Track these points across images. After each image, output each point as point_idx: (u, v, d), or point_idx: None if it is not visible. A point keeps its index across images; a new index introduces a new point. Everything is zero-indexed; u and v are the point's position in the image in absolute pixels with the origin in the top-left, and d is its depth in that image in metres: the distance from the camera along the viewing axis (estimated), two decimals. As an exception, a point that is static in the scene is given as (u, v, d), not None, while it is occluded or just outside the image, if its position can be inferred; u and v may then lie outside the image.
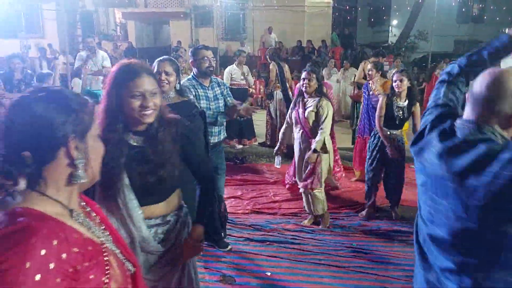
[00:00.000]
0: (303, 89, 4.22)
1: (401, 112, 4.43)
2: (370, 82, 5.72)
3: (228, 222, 4.63)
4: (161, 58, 3.04)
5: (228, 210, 4.98)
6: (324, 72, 10.43)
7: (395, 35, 21.51)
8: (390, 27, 23.46)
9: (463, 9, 20.42)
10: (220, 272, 3.62)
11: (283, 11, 17.28)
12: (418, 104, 4.48)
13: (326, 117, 4.11)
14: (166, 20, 18.75)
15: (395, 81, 4.37)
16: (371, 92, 5.66)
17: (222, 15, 18.40)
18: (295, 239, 4.25)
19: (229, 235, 4.29)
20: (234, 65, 7.52)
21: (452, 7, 18.94)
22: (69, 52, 13.20)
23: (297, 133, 4.39)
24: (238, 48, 14.73)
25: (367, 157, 4.79)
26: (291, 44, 17.35)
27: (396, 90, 4.39)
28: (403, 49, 17.74)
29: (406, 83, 4.35)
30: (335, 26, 19.70)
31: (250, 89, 8.57)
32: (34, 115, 0.95)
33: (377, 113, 4.58)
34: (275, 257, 3.90)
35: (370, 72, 5.73)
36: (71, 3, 17.45)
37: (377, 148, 4.63)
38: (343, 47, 17.22)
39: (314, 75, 4.17)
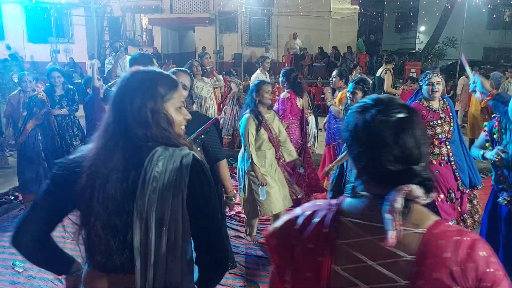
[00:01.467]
0: (268, 101, 4.01)
1: None
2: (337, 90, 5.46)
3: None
4: (182, 69, 2.79)
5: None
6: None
7: (422, 41, 21.22)
8: (417, 34, 23.16)
9: (494, 16, 19.94)
10: (245, 278, 3.57)
11: (308, 17, 17.23)
12: None
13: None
14: (191, 26, 18.93)
15: (348, 92, 4.03)
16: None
17: (247, 21, 18.45)
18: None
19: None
20: (259, 71, 7.45)
21: (482, 13, 18.51)
22: (97, 57, 13.51)
23: (270, 155, 4.06)
24: (262, 54, 14.73)
25: (332, 176, 4.30)
26: (316, 50, 17.25)
27: (349, 102, 4.04)
28: (431, 56, 17.42)
29: (360, 96, 3.93)
30: (361, 32, 19.51)
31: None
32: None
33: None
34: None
35: (333, 79, 5.41)
36: (99, 9, 17.80)
37: (339, 166, 4.17)
38: (369, 53, 17.03)
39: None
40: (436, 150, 3.72)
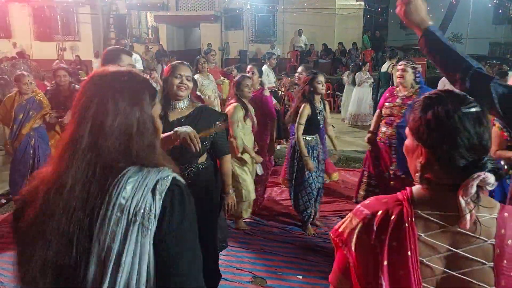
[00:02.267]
0: (248, 95, 4.25)
1: (322, 116, 4.28)
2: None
3: (259, 224, 4.61)
4: (179, 61, 2.73)
5: (258, 212, 4.96)
6: (357, 77, 9.78)
7: (427, 37, 21.05)
8: (423, 30, 22.95)
9: (500, 11, 19.78)
10: (251, 274, 3.61)
11: (313, 14, 17.18)
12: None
13: None
14: (197, 23, 18.94)
15: (320, 83, 4.14)
16: None
17: (252, 18, 18.44)
18: (326, 242, 4.19)
19: (260, 236, 4.29)
20: (266, 67, 7.48)
21: (488, 8, 18.38)
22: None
23: (250, 143, 4.36)
24: (268, 50, 14.70)
25: (288, 171, 4.47)
26: (321, 47, 17.23)
27: (322, 92, 4.24)
28: (436, 51, 17.30)
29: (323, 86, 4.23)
30: (366, 29, 19.43)
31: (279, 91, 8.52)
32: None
33: (298, 121, 4.15)
34: (306, 260, 3.86)
35: (300, 76, 5.31)
36: (105, 7, 17.85)
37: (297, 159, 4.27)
38: (374, 49, 16.97)
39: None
40: (383, 129, 4.15)
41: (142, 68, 7.99)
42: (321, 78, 4.16)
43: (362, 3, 17.95)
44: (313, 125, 4.23)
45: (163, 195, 1.06)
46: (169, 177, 1.10)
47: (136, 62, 7.68)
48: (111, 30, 18.49)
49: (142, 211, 1.04)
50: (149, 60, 16.32)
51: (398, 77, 4.04)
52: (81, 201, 1.05)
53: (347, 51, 16.57)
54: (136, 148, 1.11)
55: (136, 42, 18.24)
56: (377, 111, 4.40)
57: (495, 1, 17.60)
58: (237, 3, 17.69)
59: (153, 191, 1.06)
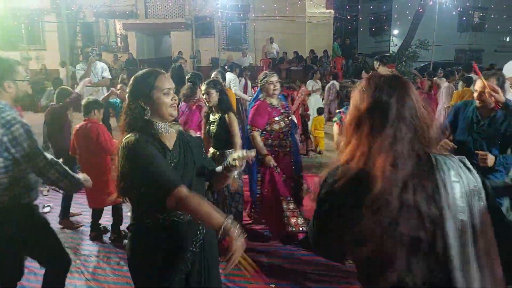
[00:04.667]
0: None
1: (213, 126, 4.00)
2: None
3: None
4: (156, 70, 2.02)
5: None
6: (308, 86, 9.81)
7: (396, 44, 21.56)
8: (391, 37, 23.53)
9: (464, 18, 20.46)
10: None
11: (284, 21, 17.31)
12: (232, 113, 3.96)
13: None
14: (167, 31, 18.80)
15: (203, 94, 4.01)
16: None
17: (223, 26, 18.44)
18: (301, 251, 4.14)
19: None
20: (232, 74, 7.44)
21: (452, 16, 19.00)
22: (69, 64, 13.24)
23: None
24: (239, 58, 14.68)
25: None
26: (292, 54, 17.37)
27: (206, 103, 4.06)
28: (405, 58, 17.72)
29: (215, 95, 3.93)
30: (336, 36, 19.72)
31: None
32: None
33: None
34: (281, 267, 3.80)
35: (215, 78, 5.33)
36: (71, 15, 17.48)
37: None
38: (345, 57, 17.21)
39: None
40: (282, 142, 4.22)
41: (110, 76, 7.76)
42: (203, 89, 3.98)
43: (332, 11, 18.22)
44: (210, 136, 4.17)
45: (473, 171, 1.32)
46: (459, 159, 1.34)
47: (103, 70, 7.47)
48: (78, 38, 18.11)
49: (474, 185, 1.28)
50: (118, 69, 16.04)
51: (275, 89, 4.17)
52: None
53: (319, 58, 16.73)
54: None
55: (104, 51, 17.90)
56: None
57: (459, 9, 18.17)
58: (208, 10, 17.66)
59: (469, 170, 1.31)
